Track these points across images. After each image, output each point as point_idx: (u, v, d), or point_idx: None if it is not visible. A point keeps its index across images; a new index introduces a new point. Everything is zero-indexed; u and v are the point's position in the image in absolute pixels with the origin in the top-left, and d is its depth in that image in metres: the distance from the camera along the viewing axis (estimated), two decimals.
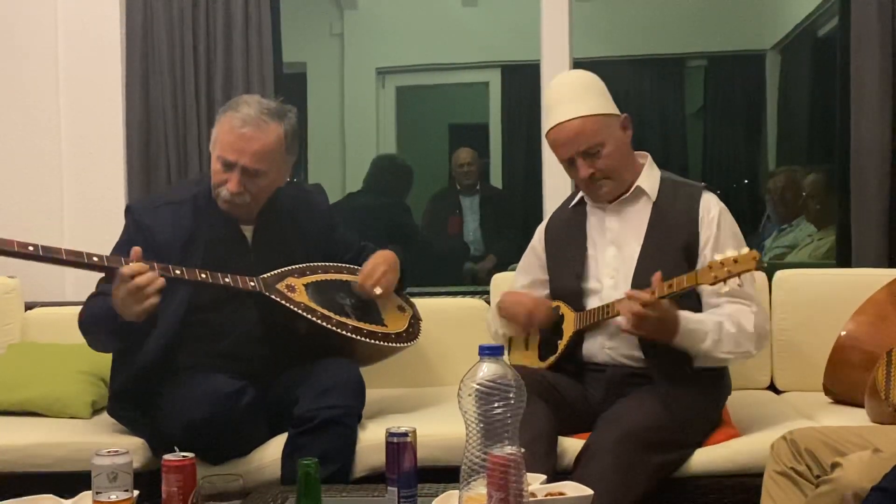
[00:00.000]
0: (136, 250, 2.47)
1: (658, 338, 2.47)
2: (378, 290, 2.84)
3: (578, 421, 2.57)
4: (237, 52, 3.62)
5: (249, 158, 2.66)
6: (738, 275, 2.34)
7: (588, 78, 2.68)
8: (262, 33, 3.64)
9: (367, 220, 4.82)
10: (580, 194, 2.81)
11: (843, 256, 3.57)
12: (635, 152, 2.74)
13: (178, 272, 2.58)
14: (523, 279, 2.94)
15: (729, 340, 2.50)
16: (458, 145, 6.07)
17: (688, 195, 2.67)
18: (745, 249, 2.35)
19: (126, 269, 2.41)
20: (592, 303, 2.68)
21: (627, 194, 2.70)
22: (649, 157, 2.75)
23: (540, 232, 2.91)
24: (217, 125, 2.73)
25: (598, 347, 2.67)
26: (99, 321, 2.59)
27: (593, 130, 2.59)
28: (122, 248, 2.65)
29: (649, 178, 2.71)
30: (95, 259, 2.47)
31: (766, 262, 4.68)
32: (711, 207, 2.64)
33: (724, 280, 2.35)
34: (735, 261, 2.33)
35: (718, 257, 2.36)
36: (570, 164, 2.65)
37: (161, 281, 2.46)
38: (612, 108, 2.65)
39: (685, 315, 2.47)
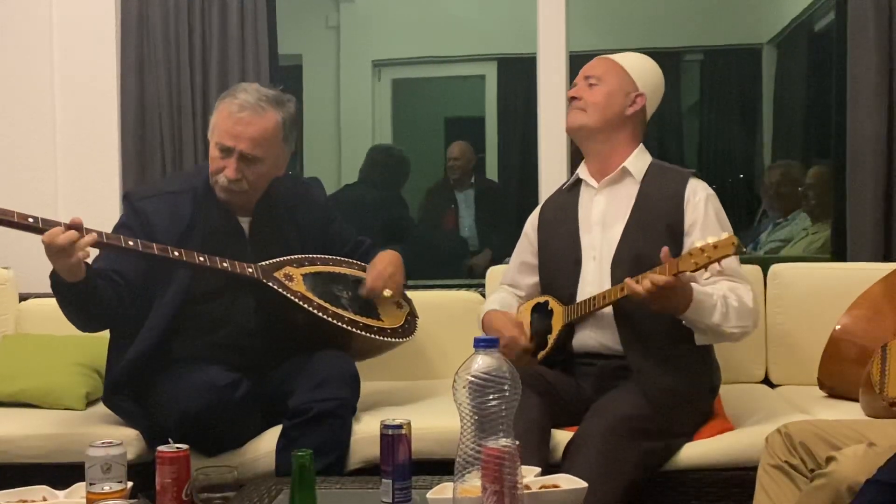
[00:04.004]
0: (75, 220, 2.41)
1: (671, 310, 2.46)
2: (388, 292, 2.85)
3: (570, 413, 2.57)
4: (233, 44, 3.61)
5: (247, 144, 2.66)
6: (718, 260, 2.34)
7: (645, 57, 2.83)
8: (258, 25, 3.63)
9: (362, 213, 4.81)
10: (574, 176, 2.84)
11: (838, 250, 3.58)
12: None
13: (176, 254, 2.58)
14: (514, 264, 2.97)
15: (734, 314, 2.51)
16: (453, 139, 6.05)
17: (675, 179, 2.71)
18: (725, 234, 2.35)
19: (45, 238, 2.37)
20: (580, 287, 2.69)
21: (613, 174, 2.73)
22: (642, 145, 2.79)
23: (534, 216, 2.94)
24: (215, 112, 2.73)
25: (587, 340, 2.68)
26: (55, 290, 2.55)
27: (604, 68, 2.77)
28: (120, 231, 2.66)
29: (637, 161, 2.74)
30: (31, 220, 2.42)
31: (762, 254, 4.71)
32: (698, 191, 2.66)
33: (705, 266, 2.35)
34: (715, 246, 2.33)
35: (699, 243, 2.37)
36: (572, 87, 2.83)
37: (88, 239, 2.41)
38: (635, 75, 2.76)
39: (696, 287, 2.47)
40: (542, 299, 2.79)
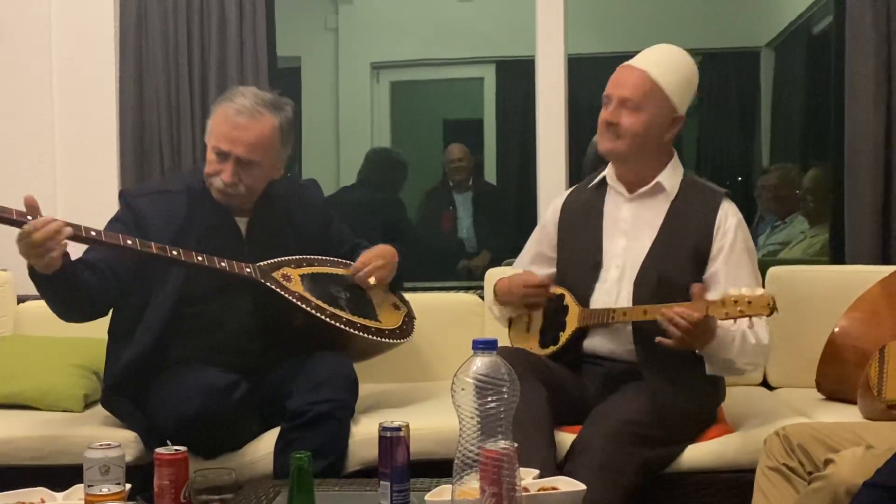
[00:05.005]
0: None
1: (694, 345, 2.43)
2: (372, 280, 2.84)
3: (574, 411, 2.56)
4: (231, 46, 3.62)
5: (243, 149, 2.65)
6: (749, 317, 2.32)
7: (685, 63, 2.68)
8: (257, 27, 3.63)
9: (360, 215, 4.81)
10: (601, 174, 2.78)
11: (836, 253, 3.58)
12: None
13: (174, 252, 2.58)
14: (528, 253, 2.94)
15: (750, 351, 2.50)
16: (452, 141, 6.06)
17: (708, 199, 2.65)
18: (760, 291, 2.33)
19: (28, 228, 2.34)
20: (596, 292, 2.67)
21: (646, 188, 2.68)
22: (675, 155, 2.73)
23: (555, 209, 2.88)
24: (212, 116, 2.72)
25: (598, 343, 2.67)
26: (32, 278, 2.52)
27: (643, 91, 2.59)
28: (113, 226, 2.67)
29: (672, 175, 2.68)
30: (15, 214, 2.39)
31: (760, 257, 4.70)
32: (730, 216, 2.61)
33: (735, 319, 2.35)
34: (749, 302, 2.31)
35: (733, 293, 2.33)
36: (605, 103, 2.65)
37: (66, 231, 2.38)
38: (676, 98, 2.63)
39: (718, 322, 2.43)
40: (559, 291, 2.75)
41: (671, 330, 2.37)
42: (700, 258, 2.60)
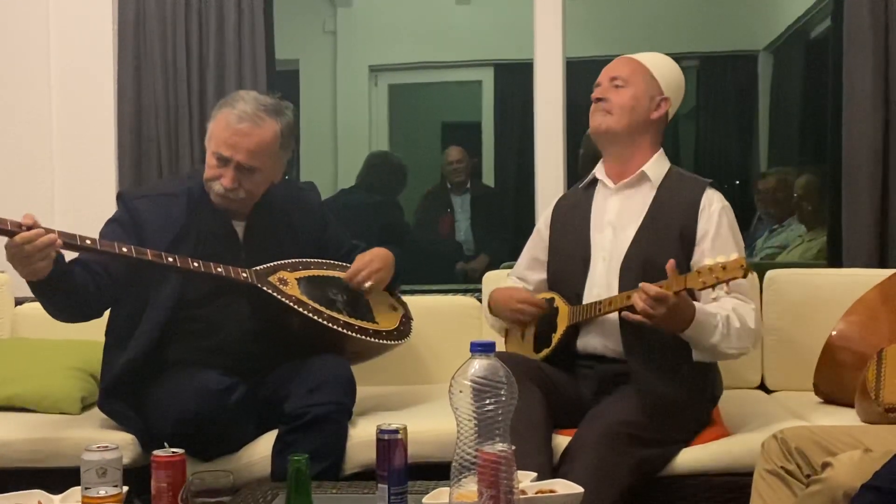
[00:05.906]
0: (29, 216, 2.36)
1: (670, 327, 2.45)
2: (368, 284, 2.84)
3: (570, 414, 2.56)
4: (230, 49, 3.62)
5: (245, 155, 2.65)
6: (726, 282, 2.34)
7: (670, 61, 2.81)
8: (255, 30, 3.63)
9: (357, 217, 4.81)
10: (591, 176, 2.82)
11: (833, 257, 3.58)
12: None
13: (170, 259, 2.58)
14: (524, 259, 2.96)
15: (735, 336, 2.51)
16: (450, 144, 6.06)
17: (692, 187, 2.69)
18: (734, 255, 2.35)
19: (18, 239, 2.32)
20: (587, 287, 2.68)
21: (632, 177, 2.72)
22: (662, 150, 2.78)
23: (547, 214, 2.92)
24: (213, 120, 2.72)
25: (590, 343, 2.67)
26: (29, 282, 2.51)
27: (631, 68, 2.74)
28: (111, 226, 2.68)
29: (657, 166, 2.72)
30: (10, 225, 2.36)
31: (758, 260, 4.71)
32: (714, 201, 2.65)
33: (713, 286, 2.36)
34: (723, 267, 2.33)
35: (708, 262, 2.37)
36: (596, 90, 2.77)
37: (58, 245, 2.37)
38: (662, 80, 2.74)
39: (699, 306, 2.46)
40: (548, 296, 2.78)
41: (638, 304, 2.38)
42: (686, 241, 2.62)
